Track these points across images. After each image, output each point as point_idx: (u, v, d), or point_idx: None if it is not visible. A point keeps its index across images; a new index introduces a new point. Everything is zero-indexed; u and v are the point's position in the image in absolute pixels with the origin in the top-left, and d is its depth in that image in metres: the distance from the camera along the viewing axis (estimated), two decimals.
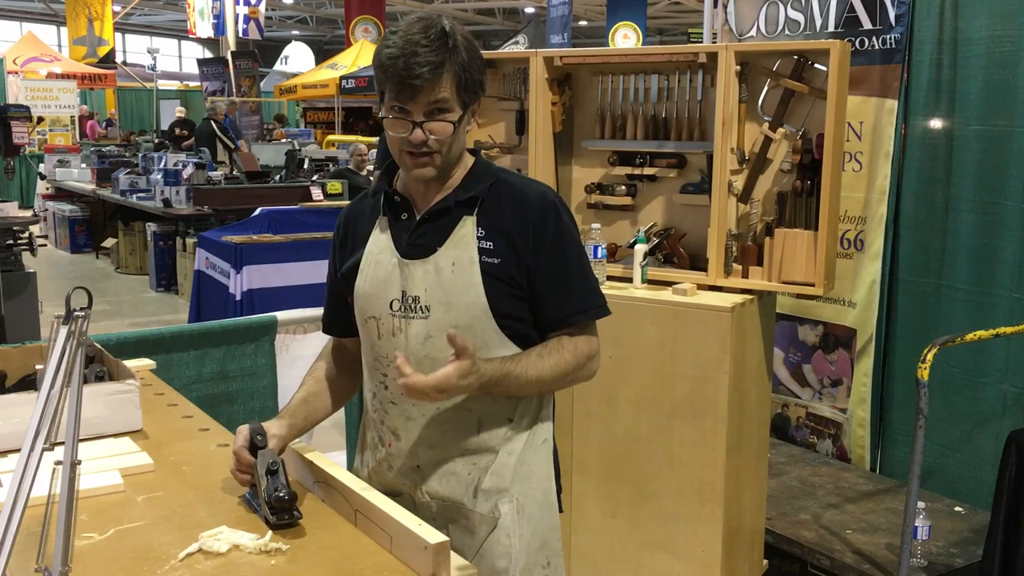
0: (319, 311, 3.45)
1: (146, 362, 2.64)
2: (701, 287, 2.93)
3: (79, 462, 1.32)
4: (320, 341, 3.45)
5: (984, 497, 3.42)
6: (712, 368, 2.76)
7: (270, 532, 1.57)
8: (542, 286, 1.70)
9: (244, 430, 1.73)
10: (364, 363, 1.85)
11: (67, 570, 1.30)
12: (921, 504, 3.02)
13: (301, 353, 3.38)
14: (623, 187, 3.20)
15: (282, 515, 1.59)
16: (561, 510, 1.84)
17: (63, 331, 1.33)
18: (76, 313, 1.33)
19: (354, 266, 1.80)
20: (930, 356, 2.75)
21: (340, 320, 1.94)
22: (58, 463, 1.31)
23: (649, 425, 2.84)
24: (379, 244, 1.77)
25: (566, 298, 1.71)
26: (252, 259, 6.12)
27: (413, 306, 1.71)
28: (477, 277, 1.67)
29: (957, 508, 3.47)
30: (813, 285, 2.80)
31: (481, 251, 1.69)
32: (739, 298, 2.84)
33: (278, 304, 4.74)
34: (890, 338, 3.79)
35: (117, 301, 8.52)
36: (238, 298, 6.09)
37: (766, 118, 2.92)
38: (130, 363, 2.53)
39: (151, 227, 9.17)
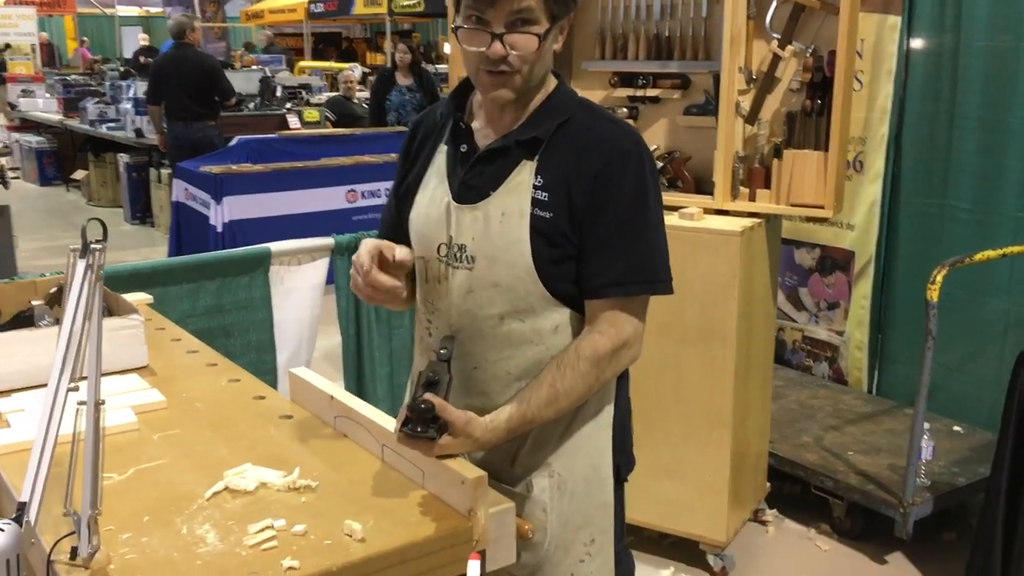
0: (314, 242, 3.40)
1: (143, 296, 2.56)
2: (707, 211, 2.88)
3: (103, 402, 1.26)
4: (317, 273, 3.38)
5: (983, 417, 3.45)
6: (721, 293, 2.72)
7: (298, 469, 1.52)
8: (584, 247, 1.51)
9: (376, 243, 1.56)
10: (417, 297, 1.71)
11: (97, 512, 1.24)
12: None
13: (296, 285, 3.31)
14: (624, 109, 3.11)
15: (414, 426, 1.39)
16: (623, 480, 1.70)
17: (80, 265, 1.25)
18: (93, 246, 1.25)
19: (410, 191, 1.68)
20: (940, 277, 2.73)
21: (397, 237, 1.70)
22: (81, 403, 1.24)
23: (658, 352, 2.80)
24: (436, 178, 1.63)
25: (605, 265, 1.50)
26: (233, 189, 5.98)
27: (459, 255, 1.58)
28: (525, 232, 1.51)
29: (956, 428, 3.49)
30: (823, 207, 2.76)
31: (535, 202, 1.51)
32: (747, 222, 2.79)
33: (261, 236, 4.63)
34: (890, 260, 3.77)
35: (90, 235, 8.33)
36: (219, 229, 5.96)
37: (774, 35, 2.83)
38: (130, 296, 2.46)
39: (123, 158, 8.94)
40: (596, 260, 1.52)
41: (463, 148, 1.60)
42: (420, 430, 1.40)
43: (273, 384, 3.20)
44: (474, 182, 1.58)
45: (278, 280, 3.26)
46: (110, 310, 2.20)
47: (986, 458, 3.16)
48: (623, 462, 1.68)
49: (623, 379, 1.67)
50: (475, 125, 1.63)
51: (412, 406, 1.40)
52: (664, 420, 2.86)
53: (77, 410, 1.25)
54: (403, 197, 1.71)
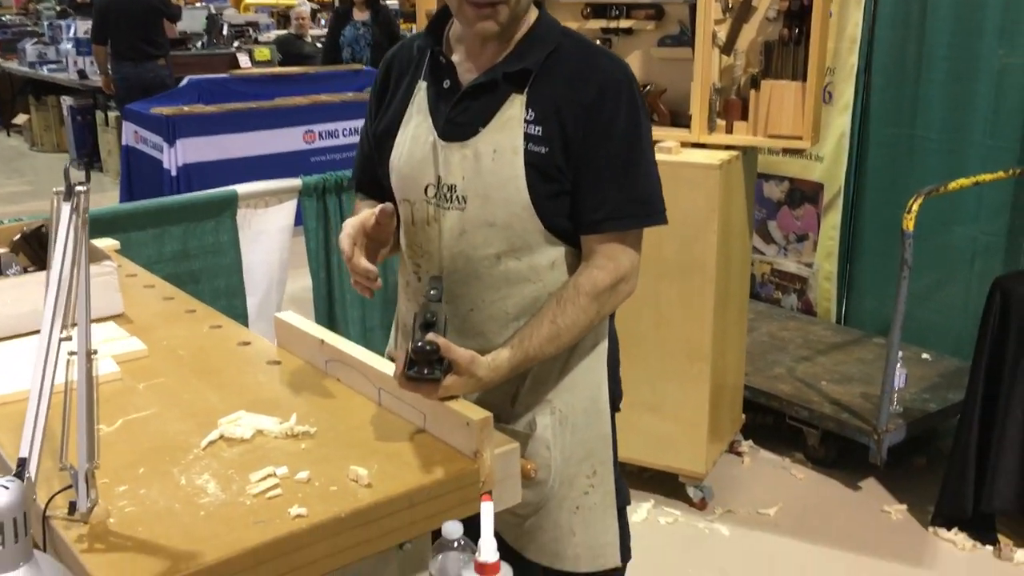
0: (281, 183, 3.31)
1: (110, 242, 2.47)
2: (684, 144, 2.85)
3: (95, 352, 1.20)
4: (284, 215, 3.30)
5: (951, 344, 3.50)
6: (701, 227, 2.70)
7: (295, 415, 1.49)
8: (580, 181, 1.48)
9: (357, 223, 1.49)
10: (402, 242, 1.66)
11: (95, 465, 1.20)
12: None
13: (264, 228, 3.23)
14: (597, 42, 3.05)
15: (420, 368, 1.35)
16: (617, 410, 1.70)
17: (65, 208, 1.18)
18: (78, 188, 1.18)
19: (388, 132, 1.61)
20: (915, 207, 2.73)
21: (373, 179, 1.68)
22: (72, 353, 1.19)
23: (638, 288, 2.78)
24: (418, 116, 1.57)
25: (600, 200, 1.47)
26: (186, 131, 5.80)
27: (449, 195, 1.52)
28: (520, 169, 1.46)
29: (924, 355, 3.55)
30: (800, 138, 2.74)
31: (528, 137, 1.46)
32: (725, 155, 2.77)
33: (218, 180, 4.51)
34: (859, 191, 3.78)
35: (37, 181, 8.10)
36: (174, 174, 5.80)
37: None
38: (96, 243, 2.37)
39: (66, 101, 8.65)
40: (592, 194, 1.48)
41: (446, 84, 1.54)
42: (426, 372, 1.37)
43: None
44: (461, 119, 1.51)
45: (245, 224, 3.18)
46: None
47: (955, 384, 3.22)
48: (614, 390, 1.68)
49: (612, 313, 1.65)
50: (454, 59, 1.57)
51: (416, 347, 1.36)
52: (644, 355, 2.86)
53: (68, 361, 1.19)
54: (380, 138, 1.64)
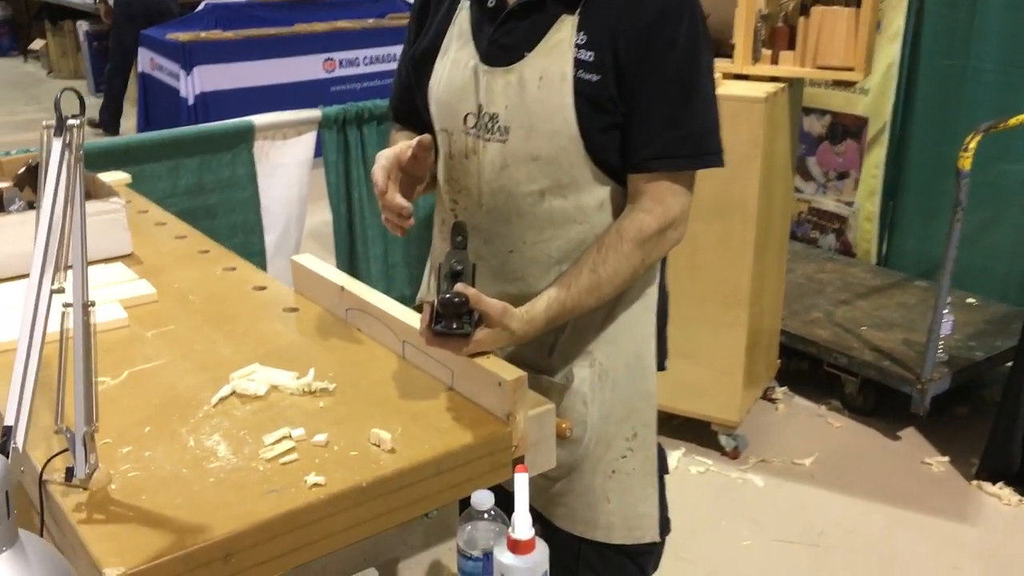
0: (300, 114, 3.16)
1: (121, 176, 2.35)
2: (726, 76, 2.67)
3: (92, 303, 1.09)
4: (303, 148, 3.17)
5: (997, 288, 3.35)
6: (742, 165, 2.55)
7: (312, 369, 1.38)
8: (630, 114, 1.33)
9: (392, 155, 1.35)
10: (439, 176, 1.54)
11: (94, 428, 1.09)
12: None
13: (282, 160, 3.10)
14: None
15: (448, 322, 1.24)
16: (662, 368, 1.57)
17: (56, 144, 1.06)
18: (70, 121, 1.05)
19: (427, 56, 1.48)
20: (973, 144, 2.57)
21: (412, 108, 1.55)
22: (67, 305, 1.07)
23: None
24: (459, 39, 1.43)
25: (651, 136, 1.33)
26: (203, 58, 5.64)
27: (490, 125, 1.39)
28: (568, 98, 1.32)
29: (970, 300, 3.40)
30: (852, 70, 2.56)
31: (578, 63, 1.32)
32: (770, 87, 2.60)
33: (236, 109, 4.36)
34: (905, 126, 3.60)
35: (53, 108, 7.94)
36: (191, 102, 5.66)
37: None
38: (106, 176, 2.26)
39: (82, 26, 8.46)
40: (642, 129, 1.34)
41: (490, 2, 1.40)
42: (454, 326, 1.25)
43: (262, 268, 3.04)
44: (505, 40, 1.37)
45: (263, 156, 3.05)
46: (88, 192, 2.00)
47: (1002, 331, 3.08)
48: (660, 347, 1.54)
49: (663, 261, 1.52)
50: None
51: (444, 299, 1.24)
52: (678, 300, 2.69)
53: (64, 313, 1.08)
54: (419, 62, 1.51)
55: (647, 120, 1.33)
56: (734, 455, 2.91)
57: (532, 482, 1.49)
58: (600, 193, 1.39)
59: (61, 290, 1.02)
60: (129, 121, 6.97)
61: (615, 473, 1.50)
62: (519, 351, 1.49)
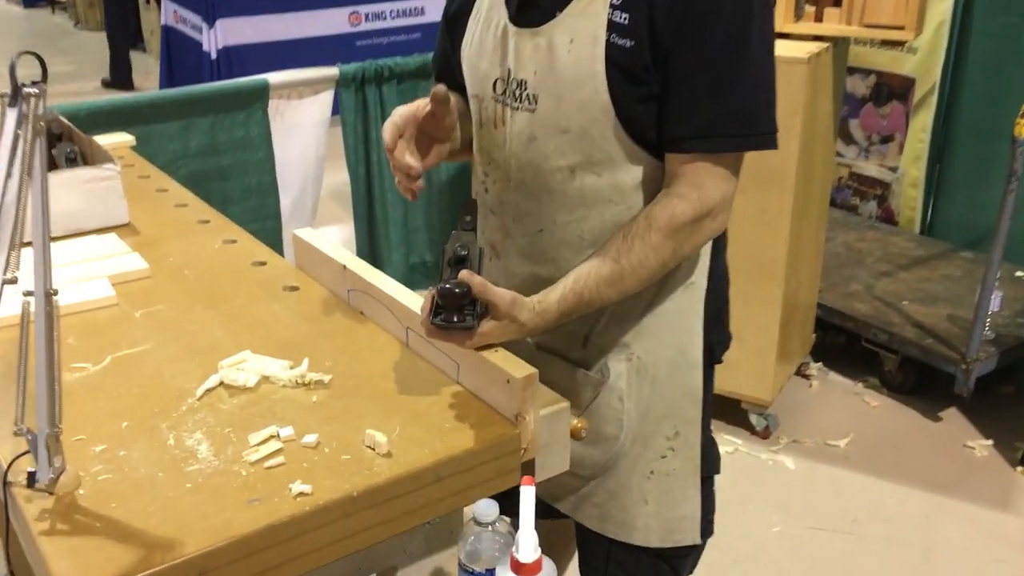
0: (316, 72, 3.03)
1: (124, 138, 2.25)
2: None
3: (55, 292, 0.98)
4: (320, 107, 3.04)
5: None
6: (781, 131, 2.37)
7: (307, 360, 1.27)
8: (667, 85, 1.18)
9: (408, 111, 1.25)
10: (474, 146, 1.41)
11: (57, 431, 0.99)
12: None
13: (299, 121, 2.98)
14: None
15: (448, 315, 1.12)
16: (717, 361, 1.41)
17: (11, 115, 0.95)
18: (27, 90, 0.94)
19: (460, 15, 1.35)
20: None
21: (451, 68, 1.42)
22: (28, 294, 0.97)
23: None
24: None
25: (690, 111, 1.17)
26: (227, 10, 5.50)
27: (518, 93, 1.25)
28: (599, 64, 1.18)
29: (1019, 273, 3.23)
30: (903, 28, 2.38)
31: (612, 26, 1.17)
32: (813, 47, 2.43)
33: (261, 64, 4.25)
34: (956, 88, 3.40)
35: (80, 60, 7.89)
36: (214, 57, 5.53)
37: None
38: (106, 139, 2.16)
39: None
40: (679, 103, 1.18)
41: None
42: (455, 319, 1.13)
43: (277, 232, 2.94)
44: None
45: (278, 116, 2.93)
46: (83, 156, 1.90)
47: None
48: (717, 340, 1.38)
49: (720, 239, 1.35)
50: None
51: (443, 290, 1.12)
52: None
53: (25, 304, 0.98)
54: (452, 21, 1.39)
55: (685, 93, 1.17)
56: (765, 435, 2.78)
57: (562, 481, 1.38)
58: (638, 172, 1.24)
59: (14, 280, 0.92)
60: (155, 74, 6.86)
61: (653, 474, 1.37)
62: (551, 340, 1.37)
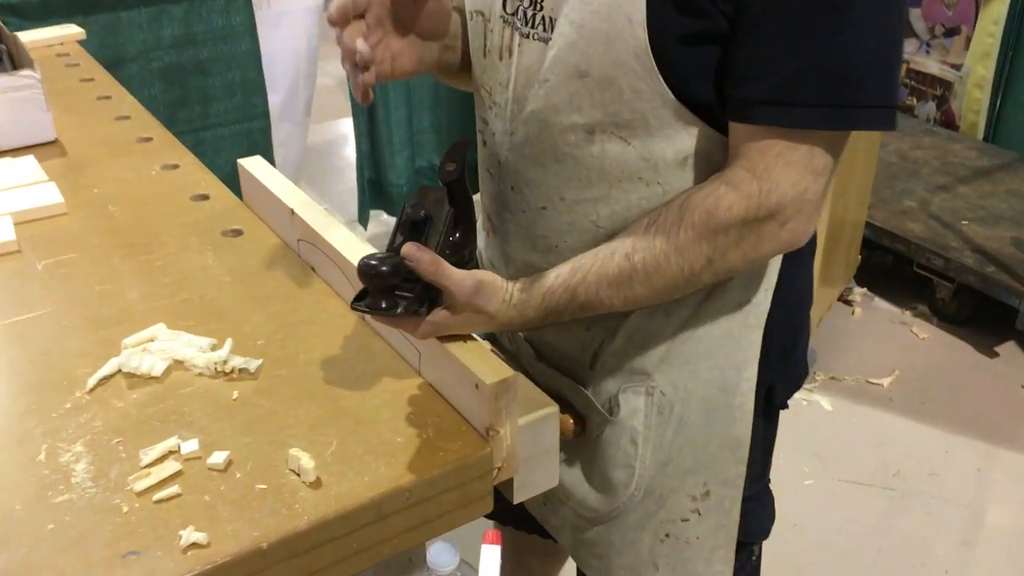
0: None
1: (72, 31, 1.95)
2: None
3: None
4: None
5: None
6: None
7: (230, 341, 1.01)
8: (740, 24, 0.83)
9: None
10: (473, 77, 1.08)
11: None
12: None
13: (286, 8, 2.65)
14: None
15: (375, 299, 0.85)
16: (781, 406, 1.08)
17: None
18: None
19: None
20: None
21: None
22: None
23: None
24: None
25: (760, 62, 0.82)
26: None
27: (531, 14, 0.93)
28: None
29: None
30: None
31: None
32: None
33: None
34: None
35: None
36: None
37: None
38: (51, 32, 1.86)
39: None
40: (753, 51, 0.83)
41: None
42: (383, 305, 0.85)
43: (265, 134, 2.66)
44: None
45: (263, 2, 2.60)
46: (11, 57, 1.62)
47: None
48: (782, 379, 1.06)
49: (802, 248, 0.93)
50: None
51: (363, 265, 0.83)
52: None
53: None
54: None
55: (760, 36, 0.82)
56: None
57: (562, 514, 1.12)
58: (683, 143, 0.90)
59: None
60: None
61: (669, 537, 1.07)
62: (551, 350, 1.08)
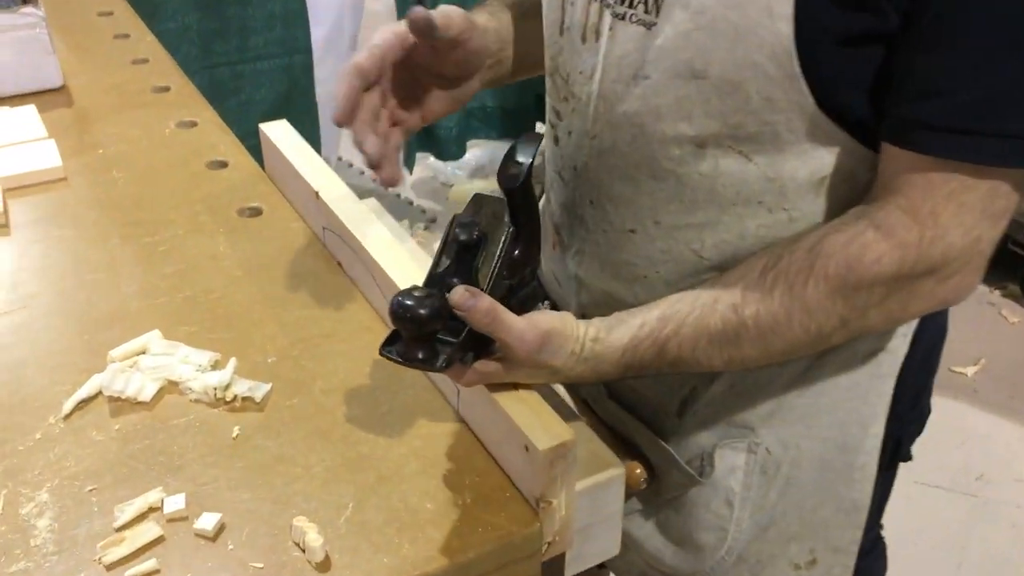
0: None
1: None
2: None
3: None
4: None
5: None
6: None
7: (233, 361, 0.84)
8: (914, 23, 0.63)
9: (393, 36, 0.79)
10: (546, 64, 0.86)
11: None
12: None
13: None
14: None
15: (411, 348, 0.68)
16: (904, 458, 0.92)
17: None
18: None
19: None
20: None
21: None
22: None
23: None
24: None
25: (947, 82, 0.63)
26: None
27: None
28: None
29: None
30: None
31: None
32: None
33: None
34: None
35: None
36: None
37: None
38: None
39: None
40: (931, 60, 0.63)
41: None
42: (420, 356, 0.68)
43: (307, 71, 2.47)
44: None
45: None
46: None
47: None
48: (907, 430, 0.90)
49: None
50: None
51: (397, 306, 0.66)
52: None
53: None
54: None
55: (943, 41, 0.62)
56: None
57: (628, 560, 0.94)
58: (820, 160, 0.71)
59: None
60: None
61: None
62: (633, 383, 0.88)
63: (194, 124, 1.26)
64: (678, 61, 0.69)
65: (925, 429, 0.91)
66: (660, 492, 0.88)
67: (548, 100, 0.87)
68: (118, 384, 0.81)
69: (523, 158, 0.72)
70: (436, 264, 0.72)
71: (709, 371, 0.75)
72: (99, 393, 0.82)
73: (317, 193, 0.98)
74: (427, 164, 3.02)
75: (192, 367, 0.84)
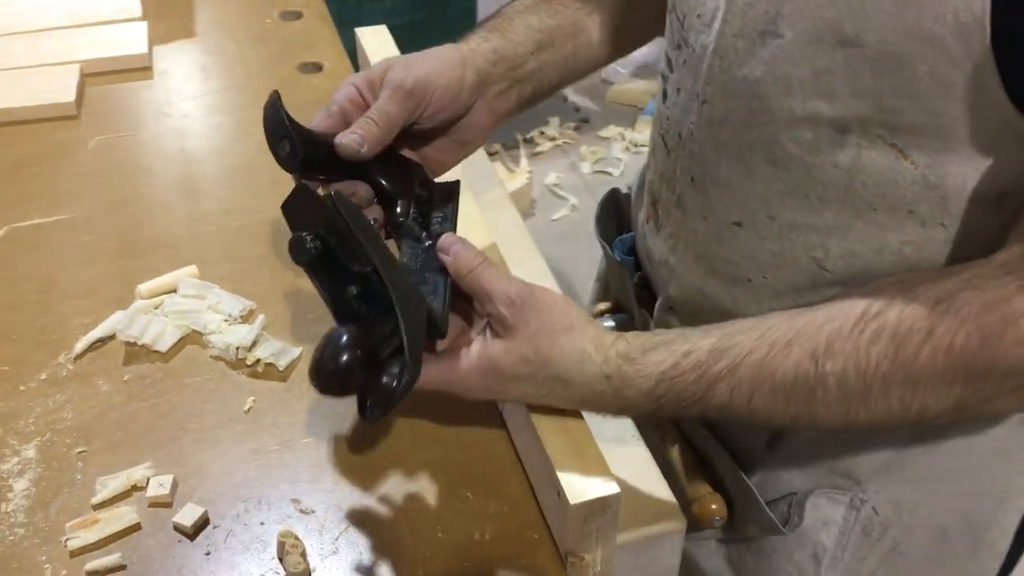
0: None
1: None
2: None
3: None
4: None
5: None
6: None
7: (262, 317, 0.74)
8: None
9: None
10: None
11: None
12: None
13: None
14: None
15: (376, 404, 0.56)
16: None
17: None
18: None
19: None
20: None
21: None
22: None
23: None
24: None
25: None
26: None
27: None
28: None
29: None
30: None
31: None
32: None
33: None
34: None
35: None
36: None
37: None
38: None
39: None
40: None
41: None
42: (365, 412, 0.57)
43: None
44: None
45: None
46: None
47: None
48: None
49: None
50: None
51: (318, 373, 0.54)
52: None
53: None
54: None
55: None
56: None
57: None
58: (1005, 171, 0.53)
59: None
60: None
61: None
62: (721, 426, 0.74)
63: (299, 15, 1.14)
64: (821, 21, 0.52)
65: None
66: (736, 530, 0.74)
67: (666, 41, 0.70)
68: (135, 329, 0.73)
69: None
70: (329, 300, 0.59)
71: (767, 424, 0.59)
72: (113, 336, 0.74)
73: None
74: None
75: (220, 317, 0.74)
